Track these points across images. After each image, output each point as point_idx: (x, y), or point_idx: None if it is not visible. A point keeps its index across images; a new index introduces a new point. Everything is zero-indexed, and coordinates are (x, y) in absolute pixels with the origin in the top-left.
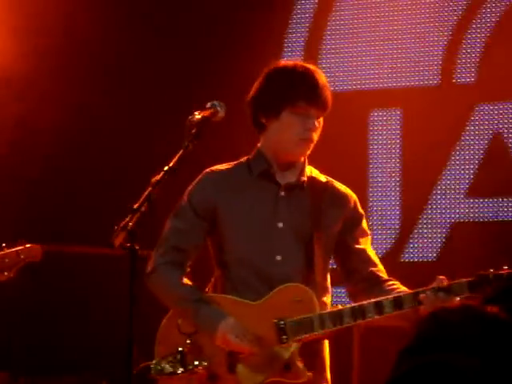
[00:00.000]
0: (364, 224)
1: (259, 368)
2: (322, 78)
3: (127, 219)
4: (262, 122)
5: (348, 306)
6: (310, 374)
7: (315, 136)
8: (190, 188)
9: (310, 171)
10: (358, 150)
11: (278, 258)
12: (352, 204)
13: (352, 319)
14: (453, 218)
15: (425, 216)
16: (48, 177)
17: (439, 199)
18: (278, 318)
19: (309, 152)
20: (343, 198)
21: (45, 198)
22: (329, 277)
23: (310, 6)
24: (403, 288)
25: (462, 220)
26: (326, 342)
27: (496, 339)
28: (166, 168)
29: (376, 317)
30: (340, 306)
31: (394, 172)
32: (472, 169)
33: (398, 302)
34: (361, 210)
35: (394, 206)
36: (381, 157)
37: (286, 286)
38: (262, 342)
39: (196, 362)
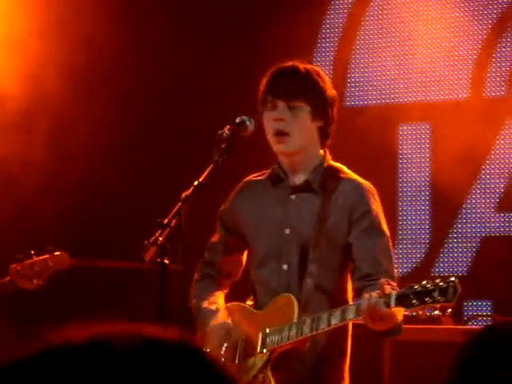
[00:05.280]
0: (371, 219)
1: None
2: (290, 68)
3: (157, 234)
4: None
5: (310, 316)
6: None
7: (287, 126)
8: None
9: (331, 169)
10: (388, 164)
11: (285, 267)
12: (359, 198)
13: (310, 330)
14: (483, 233)
15: (455, 230)
16: (81, 191)
17: (469, 213)
18: (264, 328)
19: (289, 149)
20: (351, 192)
21: (76, 213)
22: (343, 282)
23: (338, 21)
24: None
25: (492, 234)
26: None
27: None
28: (195, 183)
29: (329, 327)
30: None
31: (423, 186)
32: (502, 183)
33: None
34: (369, 206)
35: (424, 220)
36: (410, 171)
37: (280, 295)
38: (248, 350)
39: None
